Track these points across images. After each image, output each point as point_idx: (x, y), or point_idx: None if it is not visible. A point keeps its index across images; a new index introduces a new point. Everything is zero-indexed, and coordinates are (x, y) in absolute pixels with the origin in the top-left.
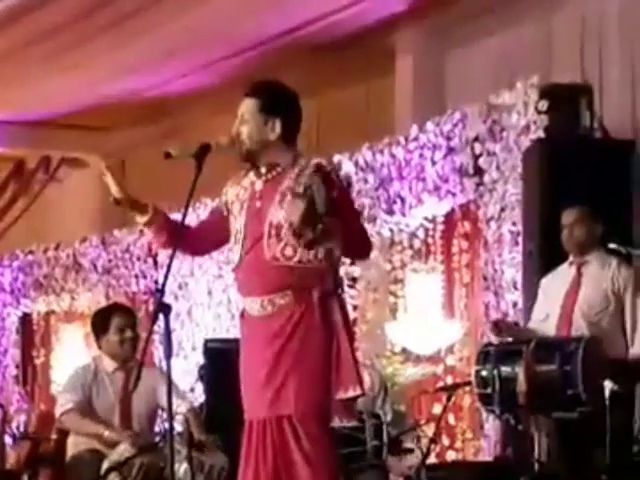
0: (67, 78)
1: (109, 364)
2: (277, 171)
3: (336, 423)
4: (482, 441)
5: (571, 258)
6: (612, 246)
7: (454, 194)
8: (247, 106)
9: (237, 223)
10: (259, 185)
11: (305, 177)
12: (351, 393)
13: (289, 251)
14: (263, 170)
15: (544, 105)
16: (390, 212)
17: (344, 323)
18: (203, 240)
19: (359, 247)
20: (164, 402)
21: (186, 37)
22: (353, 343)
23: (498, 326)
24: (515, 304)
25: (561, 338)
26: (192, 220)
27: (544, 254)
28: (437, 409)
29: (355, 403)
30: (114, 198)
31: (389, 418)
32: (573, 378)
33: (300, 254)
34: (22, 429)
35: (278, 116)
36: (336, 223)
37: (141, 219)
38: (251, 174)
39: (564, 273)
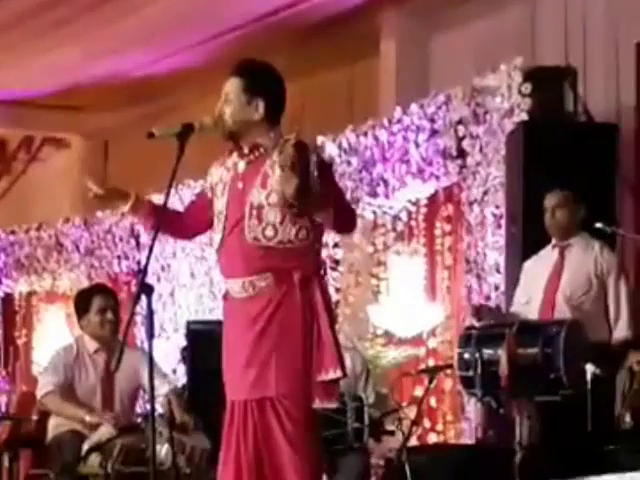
0: (50, 58)
1: (91, 344)
2: (260, 152)
3: (317, 405)
4: (463, 424)
5: (554, 241)
6: (598, 225)
7: (437, 177)
8: (231, 85)
9: (219, 204)
10: (242, 166)
11: (287, 152)
12: (332, 375)
13: (270, 232)
14: (246, 151)
15: (528, 88)
16: (373, 194)
17: (325, 305)
18: (190, 224)
19: (347, 218)
20: (146, 383)
21: (171, 17)
22: (334, 325)
23: (479, 311)
24: (497, 287)
25: (543, 321)
26: (175, 202)
27: (527, 237)
28: (419, 392)
29: (336, 385)
30: (94, 194)
31: (371, 400)
32: (555, 361)
33: (281, 235)
34: (3, 410)
35: (262, 96)
36: (327, 191)
37: (124, 207)
38: (234, 155)
39: (547, 256)
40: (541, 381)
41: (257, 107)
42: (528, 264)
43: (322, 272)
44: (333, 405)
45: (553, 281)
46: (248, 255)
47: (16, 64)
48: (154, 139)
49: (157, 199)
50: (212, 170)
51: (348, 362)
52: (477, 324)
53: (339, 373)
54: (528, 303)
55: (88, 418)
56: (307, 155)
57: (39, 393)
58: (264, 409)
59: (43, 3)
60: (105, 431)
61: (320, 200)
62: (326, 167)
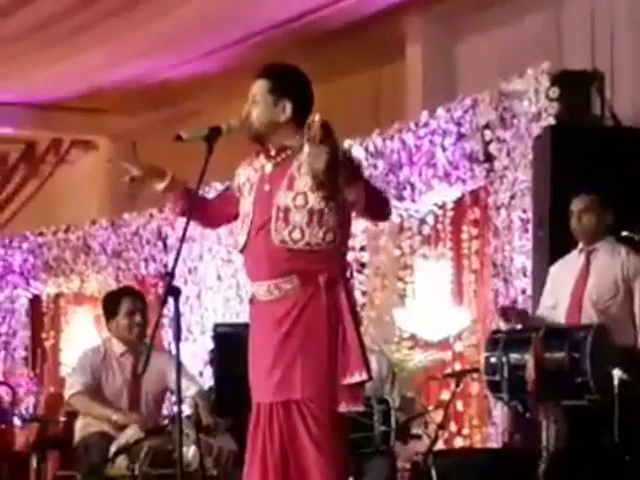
0: (76, 61)
1: (118, 347)
2: (287, 154)
3: (343, 408)
4: (490, 428)
5: (580, 246)
6: (624, 234)
7: (464, 180)
8: (258, 87)
9: (246, 205)
10: (269, 168)
11: (314, 126)
12: (357, 378)
13: (297, 234)
14: (273, 152)
15: (555, 92)
16: (400, 198)
17: (350, 308)
18: (217, 213)
19: (380, 200)
20: (173, 385)
21: (195, 22)
22: (359, 328)
23: (507, 313)
24: (524, 291)
25: (570, 326)
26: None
27: (554, 241)
28: (445, 395)
29: (362, 388)
30: (131, 177)
31: (397, 404)
32: (582, 366)
33: (308, 237)
34: (31, 411)
35: (288, 98)
36: (356, 168)
37: (159, 185)
38: (261, 156)
39: (573, 261)
40: (568, 386)
41: (284, 109)
42: (555, 268)
43: (348, 275)
44: (359, 408)
45: (579, 285)
46: (274, 257)
47: (43, 67)
48: (182, 142)
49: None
50: (240, 170)
51: (374, 365)
52: (504, 328)
53: (364, 376)
54: (555, 307)
55: (115, 417)
56: (333, 131)
57: (67, 393)
58: (290, 411)
59: (70, 7)
60: (132, 433)
61: (350, 175)
62: (351, 157)
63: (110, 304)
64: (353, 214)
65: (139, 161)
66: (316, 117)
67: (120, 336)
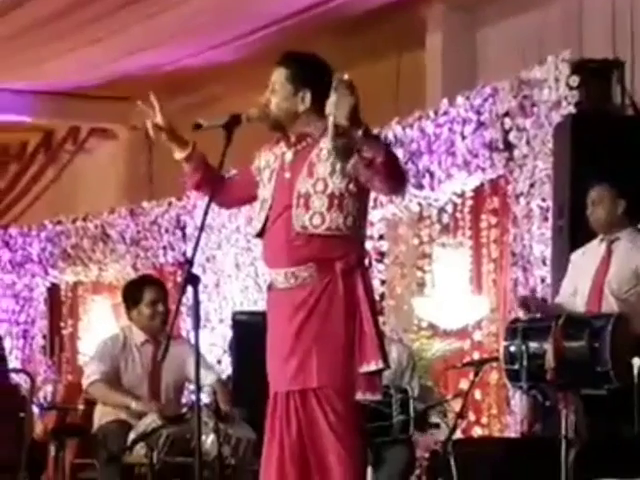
0: (93, 50)
1: (139, 335)
2: (307, 142)
3: (360, 397)
4: (508, 417)
5: (601, 235)
6: None
7: (483, 169)
8: (277, 75)
9: (265, 191)
10: (289, 156)
11: (342, 76)
12: (373, 367)
13: (317, 220)
14: (293, 140)
15: (575, 80)
16: (419, 186)
17: (367, 297)
18: (235, 193)
19: (399, 168)
20: (192, 374)
21: (213, 10)
22: (377, 317)
23: (526, 302)
24: (543, 280)
25: (590, 314)
26: None
27: (573, 230)
28: (463, 384)
29: (379, 377)
30: (155, 124)
31: (416, 393)
32: (602, 355)
33: (328, 222)
34: (49, 399)
35: (308, 87)
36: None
37: (180, 154)
38: (282, 143)
39: (594, 249)
40: (588, 374)
41: (303, 98)
42: (576, 256)
43: (366, 263)
44: (376, 397)
45: (600, 274)
46: (292, 245)
47: (61, 55)
48: (201, 130)
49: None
50: (261, 154)
51: (394, 354)
52: (523, 316)
53: (380, 365)
54: (574, 295)
55: (134, 405)
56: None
57: (85, 382)
58: (307, 399)
59: None
60: (151, 421)
61: (368, 131)
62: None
63: (132, 293)
64: (371, 195)
65: (165, 117)
66: (345, 75)
67: (142, 325)
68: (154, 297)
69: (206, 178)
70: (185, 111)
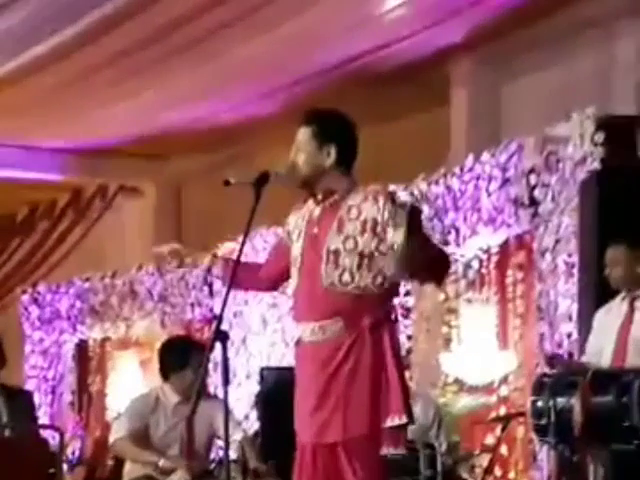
0: (126, 106)
1: (173, 396)
2: (334, 198)
3: (383, 451)
4: (535, 472)
5: (623, 293)
6: None
7: (509, 225)
8: (301, 134)
9: (295, 249)
10: (317, 212)
11: (372, 202)
12: (397, 421)
13: (347, 277)
14: (320, 197)
15: (600, 137)
16: (445, 242)
17: (394, 351)
18: (270, 273)
19: (443, 267)
20: (221, 430)
21: (247, 65)
22: (403, 371)
23: (553, 360)
24: (569, 335)
25: (618, 369)
26: (247, 249)
27: (600, 286)
28: (489, 440)
29: (403, 432)
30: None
31: (443, 448)
32: (630, 410)
33: (357, 280)
34: (77, 455)
35: (332, 142)
36: (423, 238)
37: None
38: (309, 201)
39: (617, 307)
40: (616, 429)
41: (329, 153)
42: (599, 314)
43: (393, 318)
44: (399, 451)
45: (624, 331)
46: (320, 300)
47: (94, 112)
48: (230, 187)
49: (231, 247)
50: (290, 218)
51: (418, 410)
52: (550, 372)
53: (404, 419)
54: (599, 353)
55: (162, 462)
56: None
57: (111, 438)
58: (333, 453)
59: (121, 51)
60: (179, 477)
61: (421, 250)
62: (418, 214)
63: (177, 357)
64: None
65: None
66: (408, 202)
67: (182, 388)
68: (199, 362)
69: (237, 281)
70: (214, 167)
